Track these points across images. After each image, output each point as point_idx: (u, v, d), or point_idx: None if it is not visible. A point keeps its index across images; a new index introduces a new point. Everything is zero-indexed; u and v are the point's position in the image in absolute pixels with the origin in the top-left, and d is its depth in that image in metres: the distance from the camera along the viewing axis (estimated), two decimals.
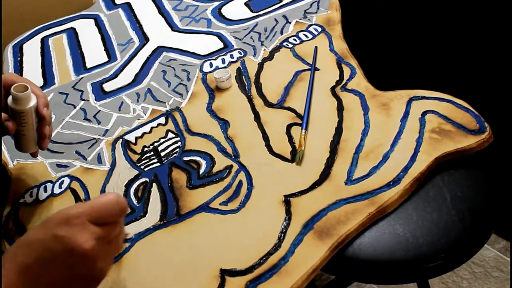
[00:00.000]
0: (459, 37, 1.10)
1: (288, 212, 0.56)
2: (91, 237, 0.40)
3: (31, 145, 0.61)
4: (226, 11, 0.95)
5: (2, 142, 0.73)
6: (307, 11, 0.89)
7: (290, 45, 0.82)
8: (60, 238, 0.39)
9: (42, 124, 0.60)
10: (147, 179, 0.63)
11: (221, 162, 0.64)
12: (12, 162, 0.71)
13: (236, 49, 0.84)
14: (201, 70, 0.81)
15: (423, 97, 0.67)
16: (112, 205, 0.42)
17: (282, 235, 0.53)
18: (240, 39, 0.86)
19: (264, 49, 0.82)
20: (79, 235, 0.40)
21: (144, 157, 0.67)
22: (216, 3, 0.98)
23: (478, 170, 0.59)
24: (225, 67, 0.80)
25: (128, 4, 1.04)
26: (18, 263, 0.39)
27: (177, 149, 0.67)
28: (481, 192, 0.57)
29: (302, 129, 0.65)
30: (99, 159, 0.68)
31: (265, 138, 0.66)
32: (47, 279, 0.40)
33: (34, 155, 0.63)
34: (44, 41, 0.98)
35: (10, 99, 0.57)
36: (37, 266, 0.39)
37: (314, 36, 0.83)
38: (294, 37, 0.84)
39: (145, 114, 0.75)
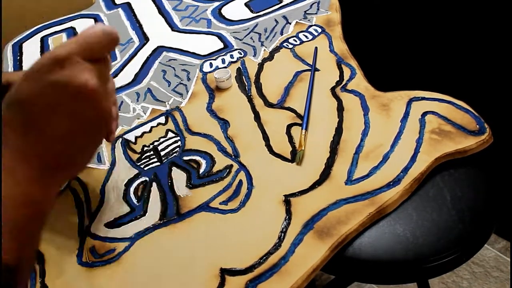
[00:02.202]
0: (459, 37, 1.11)
1: (288, 212, 0.56)
2: (91, 75, 0.36)
3: None
4: (226, 11, 0.96)
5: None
6: (307, 12, 0.90)
7: (290, 46, 0.82)
8: (60, 83, 0.35)
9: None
10: (147, 179, 0.63)
11: (221, 161, 0.64)
12: None
13: (236, 49, 0.84)
14: (201, 70, 0.81)
15: (423, 98, 0.67)
16: (100, 35, 0.37)
17: (282, 234, 0.53)
18: (240, 40, 0.86)
19: (264, 50, 0.83)
20: (79, 75, 0.35)
21: (144, 156, 0.67)
22: (216, 4, 0.98)
23: (478, 170, 0.60)
24: (225, 67, 0.80)
25: (128, 4, 1.04)
26: (17, 125, 0.34)
27: (177, 149, 0.67)
28: (481, 192, 0.57)
29: (302, 129, 0.65)
30: (99, 158, 0.68)
31: (265, 138, 0.66)
32: (53, 133, 0.35)
33: None
34: (43, 40, 0.98)
35: None
36: (38, 122, 0.35)
37: (314, 36, 0.83)
38: (294, 38, 0.84)
39: (145, 114, 0.75)
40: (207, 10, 0.97)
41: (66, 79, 0.35)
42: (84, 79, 0.35)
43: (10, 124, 0.35)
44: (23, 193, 0.34)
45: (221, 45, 0.86)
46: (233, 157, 0.64)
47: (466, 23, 1.08)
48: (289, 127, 0.67)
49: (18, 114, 0.35)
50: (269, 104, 0.71)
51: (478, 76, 1.10)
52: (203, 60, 0.83)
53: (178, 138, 0.69)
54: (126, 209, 0.60)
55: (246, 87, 0.75)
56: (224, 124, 0.69)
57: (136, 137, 0.70)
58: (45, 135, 0.35)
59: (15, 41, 0.99)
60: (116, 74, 0.84)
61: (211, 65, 0.82)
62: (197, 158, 0.65)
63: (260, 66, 0.79)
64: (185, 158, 0.65)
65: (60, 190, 0.64)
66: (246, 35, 0.87)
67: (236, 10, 0.95)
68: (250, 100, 0.73)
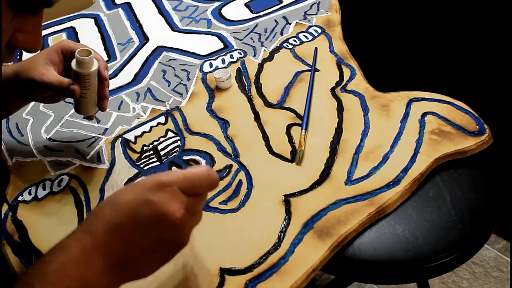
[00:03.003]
0: (459, 38, 1.11)
1: (288, 212, 0.56)
2: (182, 206, 0.40)
3: (92, 107, 0.63)
4: (226, 11, 0.96)
5: (2, 140, 0.72)
6: (307, 13, 0.90)
7: (290, 46, 0.82)
8: (152, 203, 0.40)
9: (102, 86, 0.62)
10: None
11: (221, 161, 0.64)
12: (11, 160, 0.70)
13: (236, 50, 0.84)
14: (201, 70, 0.81)
15: (423, 99, 0.67)
16: (203, 178, 0.43)
17: (282, 234, 0.53)
18: (240, 40, 0.86)
19: (264, 50, 0.83)
20: (171, 203, 0.40)
21: (143, 156, 0.67)
22: (216, 4, 0.98)
23: (477, 171, 0.60)
24: (225, 67, 0.80)
25: (128, 4, 1.04)
26: (106, 222, 0.40)
27: (177, 148, 0.67)
28: (481, 192, 0.57)
29: (302, 129, 0.65)
30: (99, 158, 0.68)
31: (265, 138, 0.66)
32: (135, 240, 0.40)
33: (91, 117, 0.66)
34: (43, 40, 0.98)
35: (74, 63, 0.59)
36: (126, 226, 0.40)
37: (314, 37, 0.83)
38: (294, 38, 0.84)
39: (144, 113, 0.75)
40: (207, 10, 0.97)
41: (159, 202, 0.39)
42: (173, 208, 0.40)
43: (101, 216, 0.40)
44: (92, 278, 0.38)
45: (221, 45, 0.86)
46: (233, 157, 0.64)
47: (466, 24, 1.08)
48: (289, 127, 0.67)
49: (110, 211, 0.40)
50: (269, 104, 0.71)
51: (478, 76, 1.10)
52: (203, 60, 0.83)
53: (178, 138, 0.69)
54: None
55: (246, 87, 0.75)
56: (224, 124, 0.69)
57: (136, 137, 0.70)
58: (126, 240, 0.39)
59: None
60: (116, 74, 0.84)
61: (211, 65, 0.81)
62: (197, 157, 0.65)
63: (260, 66, 0.79)
64: (185, 157, 0.65)
65: (60, 190, 0.64)
66: (246, 35, 0.87)
67: (236, 10, 0.95)
68: (250, 100, 0.73)
